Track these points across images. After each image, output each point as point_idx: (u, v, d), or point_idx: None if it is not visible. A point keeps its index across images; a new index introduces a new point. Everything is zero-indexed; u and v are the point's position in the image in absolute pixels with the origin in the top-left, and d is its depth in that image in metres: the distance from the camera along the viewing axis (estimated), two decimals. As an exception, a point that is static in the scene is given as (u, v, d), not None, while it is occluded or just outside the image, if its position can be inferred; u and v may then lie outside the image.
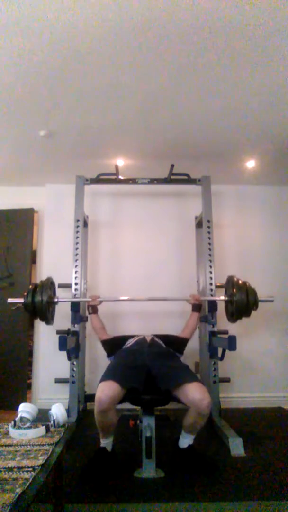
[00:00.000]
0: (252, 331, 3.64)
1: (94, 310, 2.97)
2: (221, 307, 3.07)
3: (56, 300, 2.92)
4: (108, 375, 2.22)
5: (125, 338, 2.74)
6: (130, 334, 2.80)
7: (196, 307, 2.94)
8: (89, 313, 3.00)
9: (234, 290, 2.74)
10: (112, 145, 3.21)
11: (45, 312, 2.73)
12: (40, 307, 2.68)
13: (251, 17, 1.81)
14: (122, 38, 1.96)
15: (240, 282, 2.78)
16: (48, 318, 2.81)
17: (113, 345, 2.72)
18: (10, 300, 2.83)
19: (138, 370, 2.26)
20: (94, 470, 2.09)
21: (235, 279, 2.83)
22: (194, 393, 2.08)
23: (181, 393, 2.14)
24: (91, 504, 1.79)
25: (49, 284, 2.85)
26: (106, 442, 2.20)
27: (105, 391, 2.07)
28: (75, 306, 3.08)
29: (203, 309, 3.15)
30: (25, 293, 2.73)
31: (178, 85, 2.38)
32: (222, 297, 2.97)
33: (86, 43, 1.99)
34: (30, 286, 2.80)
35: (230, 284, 2.86)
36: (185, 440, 2.22)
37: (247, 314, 2.72)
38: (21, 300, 2.73)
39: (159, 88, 2.41)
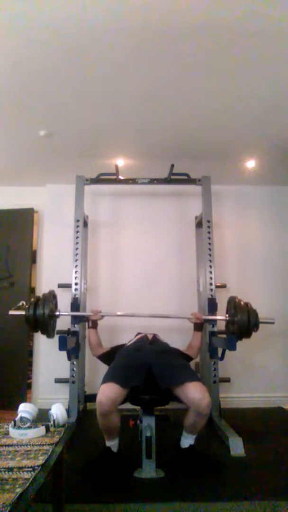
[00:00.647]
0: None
1: (94, 324, 2.90)
2: (221, 310, 3.05)
3: (57, 313, 2.90)
4: (109, 376, 2.22)
5: (124, 345, 2.71)
6: (130, 340, 2.75)
7: (198, 326, 2.85)
8: (88, 327, 2.95)
9: (236, 310, 2.74)
10: (112, 145, 3.21)
11: (47, 326, 2.73)
12: (42, 320, 2.67)
13: (251, 17, 1.81)
14: (122, 38, 1.96)
15: (242, 303, 2.77)
16: (49, 331, 2.80)
17: (112, 354, 2.64)
18: (11, 312, 2.81)
19: (138, 368, 2.26)
20: (97, 468, 2.10)
21: (237, 299, 2.82)
22: (194, 392, 2.08)
23: (181, 393, 2.14)
24: (91, 504, 1.79)
25: (51, 298, 2.84)
26: (110, 444, 2.20)
27: (106, 393, 2.07)
28: (75, 307, 3.08)
29: (204, 310, 3.15)
30: (27, 306, 2.72)
31: (178, 85, 2.38)
32: (223, 317, 2.93)
33: (86, 43, 1.99)
34: (32, 299, 2.78)
35: (232, 305, 2.85)
36: (186, 440, 2.22)
37: (248, 335, 2.72)
38: (23, 312, 2.72)
39: (159, 88, 2.41)
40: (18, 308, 2.83)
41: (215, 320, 3.05)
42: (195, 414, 2.11)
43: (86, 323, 3.05)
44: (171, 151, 3.29)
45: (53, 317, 2.85)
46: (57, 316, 2.91)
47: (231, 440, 2.45)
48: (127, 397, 2.17)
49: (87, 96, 2.48)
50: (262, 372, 3.70)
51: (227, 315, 2.91)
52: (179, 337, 3.10)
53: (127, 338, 2.85)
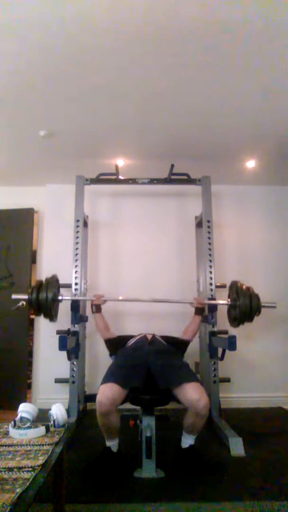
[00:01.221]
0: (252, 331, 3.64)
1: (98, 309, 2.93)
2: (221, 310, 3.06)
3: (60, 297, 2.90)
4: (109, 377, 2.22)
5: (130, 338, 2.73)
6: (134, 334, 2.78)
7: (199, 311, 2.89)
8: (93, 312, 2.97)
9: (238, 295, 2.74)
10: (112, 145, 3.21)
11: (50, 309, 2.73)
12: (45, 303, 2.68)
13: (250, 18, 1.81)
14: (122, 38, 1.96)
15: (243, 287, 2.77)
16: (52, 315, 2.80)
17: (117, 344, 2.70)
18: (14, 296, 2.82)
19: (138, 369, 2.26)
20: (97, 468, 2.10)
21: (239, 284, 2.82)
22: (191, 393, 2.09)
23: (179, 393, 2.15)
24: (91, 504, 1.79)
25: (54, 281, 2.85)
26: (110, 444, 2.20)
27: (106, 393, 2.07)
28: (75, 306, 3.08)
29: (204, 310, 3.15)
30: (30, 289, 2.73)
31: (178, 85, 2.38)
32: (225, 301, 2.94)
33: (86, 44, 1.99)
34: (35, 283, 2.79)
35: (234, 289, 2.85)
36: (187, 441, 2.23)
37: (250, 319, 2.72)
38: (25, 296, 2.73)
39: (159, 88, 2.41)
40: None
41: (216, 305, 3.06)
42: (193, 415, 2.12)
43: (91, 308, 3.04)
44: (171, 151, 3.28)
45: (55, 301, 2.84)
46: (60, 301, 2.92)
47: (231, 440, 2.45)
48: (126, 397, 2.18)
49: (87, 96, 2.48)
50: (262, 372, 3.70)
51: (229, 299, 2.91)
52: (180, 326, 3.10)
53: (129, 329, 2.86)
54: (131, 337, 2.73)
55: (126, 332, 2.93)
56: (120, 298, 3.23)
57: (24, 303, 2.82)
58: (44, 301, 2.67)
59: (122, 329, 3.25)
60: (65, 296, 2.96)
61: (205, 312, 3.11)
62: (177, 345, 2.69)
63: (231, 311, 2.89)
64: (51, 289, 2.73)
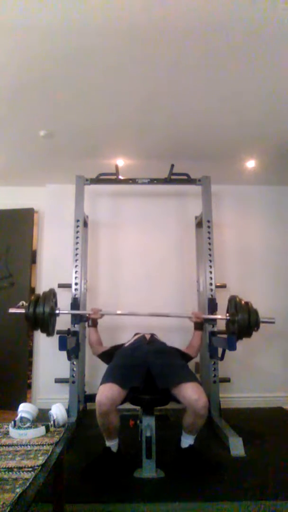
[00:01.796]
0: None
1: (94, 323, 2.91)
2: (221, 310, 3.06)
3: (57, 312, 2.89)
4: (108, 377, 2.22)
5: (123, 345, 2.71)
6: (129, 340, 2.75)
7: (198, 325, 2.85)
8: (88, 326, 2.96)
9: (236, 309, 2.74)
10: (112, 145, 3.21)
11: (47, 324, 2.72)
12: (42, 318, 2.67)
13: (251, 17, 1.81)
14: (122, 38, 1.96)
15: (242, 302, 2.77)
16: (49, 330, 2.80)
17: (111, 354, 2.64)
18: (11, 310, 2.81)
19: (138, 368, 2.26)
20: (97, 469, 2.10)
21: (237, 299, 2.82)
22: (190, 393, 2.09)
23: (179, 393, 2.15)
24: (91, 504, 1.79)
25: (51, 296, 2.83)
26: (110, 444, 2.20)
27: (105, 393, 2.07)
28: (75, 306, 3.07)
29: (203, 310, 3.15)
30: (27, 304, 2.71)
31: (177, 85, 2.38)
32: (224, 316, 2.93)
33: (86, 43, 1.99)
34: (32, 297, 2.77)
35: (233, 304, 2.85)
36: (186, 440, 2.23)
37: (248, 335, 2.72)
38: (23, 310, 2.72)
39: (159, 88, 2.41)
40: (18, 308, 2.83)
41: (215, 320, 3.04)
42: (192, 415, 2.12)
43: (86, 322, 3.05)
44: (171, 151, 3.29)
45: (53, 315, 2.84)
46: (57, 315, 2.91)
47: (231, 440, 2.45)
48: (126, 398, 2.18)
49: (87, 96, 2.48)
50: (262, 372, 3.70)
51: (227, 315, 2.91)
52: (179, 336, 3.11)
53: (127, 337, 2.86)
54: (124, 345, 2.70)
55: (122, 341, 2.84)
56: (118, 312, 3.21)
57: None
58: (41, 315, 2.66)
59: (119, 338, 3.18)
60: (63, 310, 2.93)
61: (205, 312, 3.10)
62: (182, 355, 2.65)
63: (230, 326, 2.88)
64: (48, 303, 2.72)
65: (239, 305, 2.75)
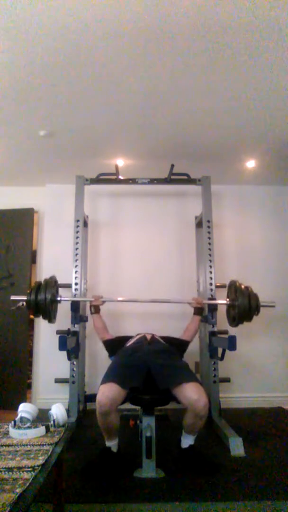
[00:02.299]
0: (252, 331, 3.64)
1: (96, 310, 2.95)
2: (221, 310, 3.06)
3: (59, 298, 2.91)
4: (109, 376, 2.22)
5: (128, 338, 2.74)
6: (132, 335, 2.78)
7: (198, 311, 2.91)
8: (91, 313, 2.98)
9: (237, 294, 2.74)
10: (112, 145, 3.21)
11: (48, 310, 2.73)
12: (43, 305, 2.68)
13: (251, 18, 1.81)
14: (122, 38, 1.96)
15: (242, 286, 2.77)
16: (50, 316, 2.81)
17: (115, 345, 2.70)
18: (13, 297, 2.83)
19: (138, 369, 2.26)
20: (97, 469, 2.10)
21: (238, 283, 2.83)
22: (190, 393, 2.09)
23: (179, 393, 2.15)
24: (91, 504, 1.79)
25: (53, 283, 2.85)
26: (110, 444, 2.20)
27: (106, 393, 2.07)
28: (75, 306, 3.08)
29: (203, 310, 3.15)
30: (29, 291, 2.73)
31: (178, 85, 2.38)
32: (224, 301, 2.95)
33: (86, 43, 1.99)
34: (34, 284, 2.79)
35: (233, 289, 2.86)
36: (186, 440, 2.23)
37: (249, 319, 2.73)
38: (24, 297, 2.74)
39: (159, 88, 2.41)
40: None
41: (215, 304, 3.06)
42: (192, 415, 2.12)
43: (89, 309, 3.05)
44: (171, 151, 3.28)
45: (54, 302, 2.85)
46: (59, 301, 2.92)
47: (231, 440, 2.45)
48: (126, 398, 2.18)
49: (87, 96, 2.48)
50: (262, 372, 3.70)
51: (228, 299, 2.91)
52: (179, 327, 3.10)
53: (128, 330, 2.87)
54: (130, 337, 2.74)
55: (125, 332, 2.94)
56: (119, 298, 3.24)
57: (24, 303, 2.82)
58: (43, 302, 2.68)
59: (121, 330, 3.25)
60: (64, 297, 2.96)
61: (205, 312, 3.11)
62: (177, 346, 2.70)
63: (230, 311, 2.90)
64: (50, 290, 2.73)
65: (239, 289, 2.75)
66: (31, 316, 3.75)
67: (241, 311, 2.68)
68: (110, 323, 3.04)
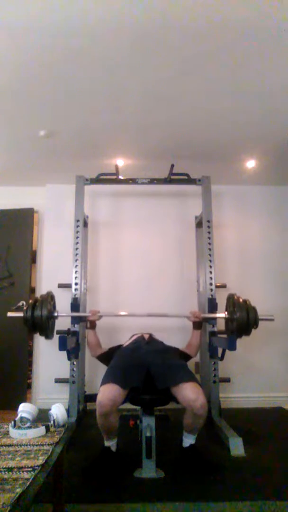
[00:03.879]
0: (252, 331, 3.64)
1: (92, 325, 2.91)
2: (221, 311, 3.05)
3: (55, 314, 2.90)
4: (109, 377, 2.22)
5: (121, 345, 2.71)
6: (125, 342, 2.75)
7: (197, 325, 2.85)
8: (87, 328, 2.97)
9: (235, 308, 2.74)
10: (112, 145, 3.21)
11: (45, 327, 2.73)
12: (40, 322, 2.68)
13: (251, 18, 1.81)
14: (122, 38, 1.96)
15: (240, 300, 2.77)
16: (47, 333, 2.80)
17: (110, 356, 2.64)
18: (9, 314, 2.82)
19: (137, 369, 2.26)
20: (97, 468, 2.10)
21: (235, 297, 2.83)
22: (188, 393, 2.09)
23: (177, 393, 2.15)
24: (91, 504, 1.79)
25: (49, 299, 2.84)
26: (109, 443, 2.20)
27: (106, 394, 2.07)
28: (75, 307, 3.07)
29: (203, 310, 3.15)
30: (25, 308, 2.72)
31: (178, 85, 2.38)
32: (223, 315, 2.93)
33: (86, 43, 1.99)
34: (30, 301, 2.78)
35: (231, 302, 2.85)
36: (187, 440, 2.23)
37: (248, 332, 2.72)
38: (21, 314, 2.73)
39: (159, 88, 2.41)
40: (18, 308, 2.84)
41: (214, 318, 3.04)
42: (191, 415, 2.12)
43: (85, 324, 3.05)
44: (171, 151, 3.28)
45: (51, 318, 2.85)
46: (56, 317, 2.91)
47: (231, 440, 2.45)
48: (126, 398, 2.18)
49: (87, 96, 2.48)
50: (262, 372, 3.70)
51: (226, 313, 2.91)
52: (178, 336, 3.10)
53: (126, 338, 2.86)
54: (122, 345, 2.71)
55: (121, 341, 2.87)
56: (116, 313, 3.21)
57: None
58: (39, 319, 2.67)
59: (121, 338, 3.19)
60: (61, 313, 2.94)
61: (205, 311, 3.10)
62: (180, 355, 2.66)
63: (229, 324, 2.89)
64: (46, 306, 2.72)
65: (237, 303, 2.75)
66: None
67: (239, 325, 2.68)
68: (107, 333, 3.00)
